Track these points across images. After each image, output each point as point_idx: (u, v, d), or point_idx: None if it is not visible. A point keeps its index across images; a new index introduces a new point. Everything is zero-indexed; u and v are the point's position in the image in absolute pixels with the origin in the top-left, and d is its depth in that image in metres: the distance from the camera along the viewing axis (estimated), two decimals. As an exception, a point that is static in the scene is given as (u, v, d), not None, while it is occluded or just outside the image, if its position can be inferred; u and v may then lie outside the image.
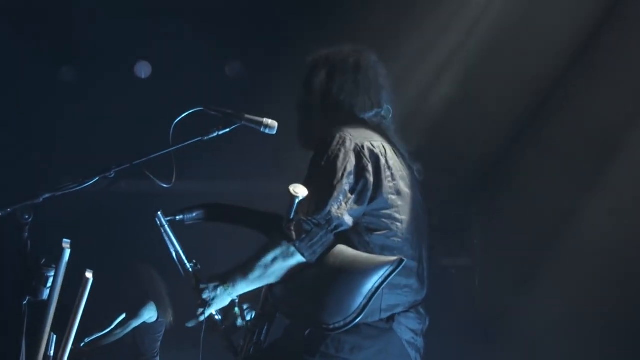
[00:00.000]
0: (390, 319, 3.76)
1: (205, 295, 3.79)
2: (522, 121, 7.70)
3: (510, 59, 7.40)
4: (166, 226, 3.97)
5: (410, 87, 7.72)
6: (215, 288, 3.78)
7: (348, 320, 3.55)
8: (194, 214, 4.08)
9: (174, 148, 4.02)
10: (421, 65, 7.80)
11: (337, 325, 3.56)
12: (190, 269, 3.98)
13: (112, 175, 3.96)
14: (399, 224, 3.80)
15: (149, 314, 9.18)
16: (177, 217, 4.05)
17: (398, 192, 3.83)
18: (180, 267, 3.97)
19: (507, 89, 7.46)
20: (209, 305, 3.80)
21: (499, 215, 8.08)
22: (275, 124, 4.07)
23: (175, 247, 3.99)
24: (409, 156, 4.09)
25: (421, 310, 3.91)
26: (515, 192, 7.95)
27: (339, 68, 4.04)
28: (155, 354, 9.34)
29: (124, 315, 9.26)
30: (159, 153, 4.03)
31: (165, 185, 4.08)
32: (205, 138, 4.05)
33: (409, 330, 3.80)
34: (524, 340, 7.67)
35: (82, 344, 8.89)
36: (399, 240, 3.79)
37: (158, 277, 9.39)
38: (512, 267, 7.87)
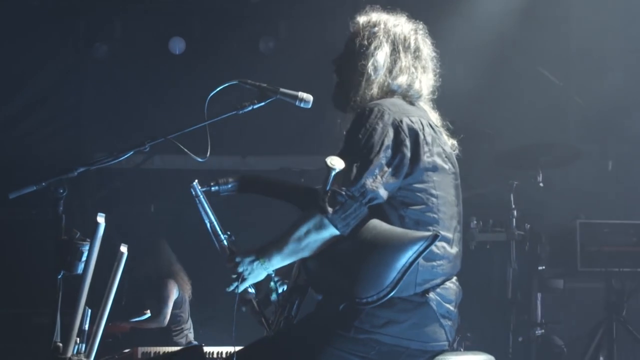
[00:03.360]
0: (425, 292, 3.73)
1: (240, 269, 3.76)
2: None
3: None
4: (201, 196, 3.94)
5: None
6: (252, 262, 3.76)
7: (382, 294, 3.53)
8: (230, 185, 4.04)
9: (209, 122, 4.00)
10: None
11: (370, 299, 3.54)
12: (225, 241, 3.95)
13: (147, 149, 3.94)
14: (434, 199, 3.77)
15: (173, 291, 9.26)
16: (213, 188, 4.01)
17: (435, 168, 3.80)
18: (214, 238, 3.94)
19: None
20: (245, 279, 3.78)
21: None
22: (310, 97, 4.04)
23: (210, 218, 3.96)
24: (445, 132, 4.05)
25: (456, 282, 3.88)
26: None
27: (403, 49, 3.99)
28: (190, 327, 9.42)
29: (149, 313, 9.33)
30: (194, 127, 4.01)
31: (200, 160, 4.05)
32: (241, 112, 4.03)
33: (443, 303, 3.77)
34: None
35: (129, 321, 9.01)
36: (434, 215, 3.76)
37: (172, 253, 9.47)
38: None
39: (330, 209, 3.59)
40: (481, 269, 7.07)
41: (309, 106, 4.06)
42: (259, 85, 4.05)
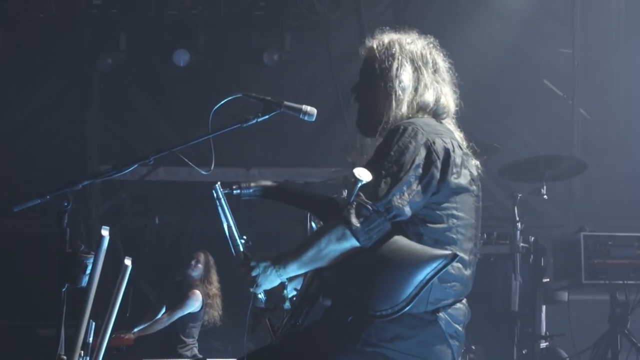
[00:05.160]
0: (436, 311, 3.72)
1: (254, 273, 3.75)
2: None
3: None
4: (222, 199, 3.94)
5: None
6: (266, 268, 3.74)
7: (396, 309, 3.52)
8: (251, 190, 4.05)
9: (213, 135, 4.01)
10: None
11: (384, 312, 3.53)
12: (241, 246, 3.94)
13: (151, 162, 3.95)
14: (455, 220, 3.76)
15: (195, 304, 9.25)
16: (235, 192, 4.02)
17: (460, 190, 3.79)
18: (230, 242, 3.93)
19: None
20: (258, 285, 3.76)
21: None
22: (314, 110, 4.05)
23: (228, 221, 3.94)
24: (470, 152, 4.04)
25: (465, 303, 3.88)
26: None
27: (423, 65, 3.98)
28: (196, 342, 9.41)
29: (165, 307, 9.34)
30: (198, 140, 4.02)
31: (204, 172, 4.06)
32: (245, 125, 4.03)
33: (452, 323, 3.77)
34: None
35: (131, 332, 9.00)
36: (453, 236, 3.75)
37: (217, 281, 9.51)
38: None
39: (354, 221, 3.58)
40: (485, 282, 7.02)
41: (313, 119, 4.06)
42: (263, 98, 4.06)
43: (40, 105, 10.49)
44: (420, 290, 3.52)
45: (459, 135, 4.03)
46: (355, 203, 3.61)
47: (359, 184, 3.60)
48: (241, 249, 3.92)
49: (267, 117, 4.05)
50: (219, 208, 3.96)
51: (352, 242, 3.61)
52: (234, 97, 4.06)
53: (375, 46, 4.02)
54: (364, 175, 3.61)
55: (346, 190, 3.80)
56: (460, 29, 9.85)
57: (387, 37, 4.04)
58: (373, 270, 3.59)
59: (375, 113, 3.95)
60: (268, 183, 4.13)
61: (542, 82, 10.28)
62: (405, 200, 3.63)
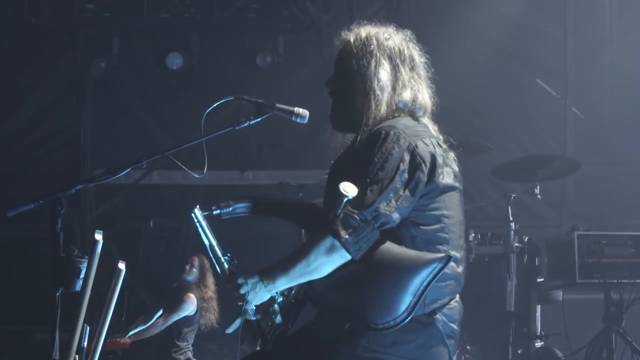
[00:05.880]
0: (432, 313, 3.72)
1: (243, 291, 3.69)
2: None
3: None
4: (202, 221, 3.91)
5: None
6: (254, 285, 3.67)
7: (398, 320, 3.52)
8: (231, 208, 4.02)
9: (206, 138, 4.00)
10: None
11: (387, 324, 3.53)
12: (225, 263, 3.87)
13: (144, 165, 3.95)
14: (445, 220, 3.75)
15: (190, 308, 9.24)
16: (214, 212, 3.98)
17: (446, 189, 3.77)
18: (214, 261, 3.89)
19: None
20: (247, 302, 3.71)
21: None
22: (306, 112, 4.03)
23: (210, 241, 3.89)
24: (447, 145, 4.02)
25: (458, 300, 3.88)
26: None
27: (401, 62, 3.92)
28: (190, 346, 9.40)
29: (161, 311, 9.33)
30: (191, 143, 4.02)
31: (197, 175, 4.05)
32: (237, 127, 4.02)
33: (449, 323, 3.76)
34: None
35: (127, 336, 8.99)
36: (445, 235, 3.74)
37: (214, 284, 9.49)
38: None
39: (343, 233, 3.54)
40: (480, 282, 7.04)
41: (305, 121, 4.04)
42: (255, 101, 4.04)
43: (33, 109, 10.49)
44: (419, 298, 3.52)
45: (434, 129, 3.97)
46: (342, 214, 3.56)
47: (345, 199, 3.55)
48: (226, 266, 3.86)
49: (259, 119, 4.04)
50: (200, 230, 3.91)
51: (342, 254, 3.57)
52: (226, 100, 4.05)
53: (352, 40, 3.95)
54: (349, 190, 3.55)
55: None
56: (453, 29, 9.87)
57: (365, 31, 3.97)
58: (367, 282, 3.57)
59: (352, 112, 3.91)
60: (249, 198, 4.10)
61: (535, 82, 10.30)
62: (393, 207, 3.59)
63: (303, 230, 4.35)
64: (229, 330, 3.83)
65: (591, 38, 10.40)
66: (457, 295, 3.88)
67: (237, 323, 3.79)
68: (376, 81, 3.87)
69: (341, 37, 4.02)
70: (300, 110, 4.03)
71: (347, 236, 3.54)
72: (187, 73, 10.35)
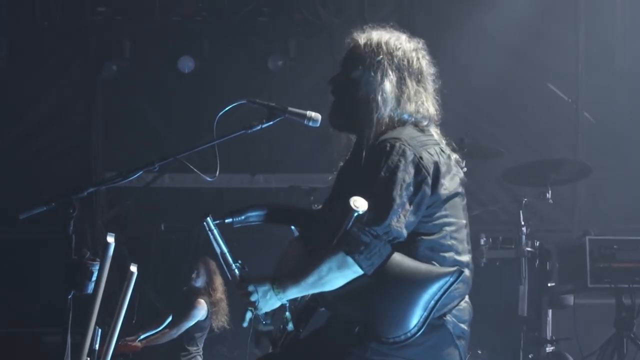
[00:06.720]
0: (443, 315, 3.72)
1: (253, 298, 3.70)
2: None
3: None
4: (214, 230, 3.90)
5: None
6: (265, 292, 3.69)
7: (409, 334, 3.55)
8: (243, 217, 4.02)
9: (218, 141, 4.00)
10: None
11: (397, 339, 3.56)
12: (236, 270, 3.87)
13: (156, 168, 3.95)
14: (448, 227, 3.75)
15: (200, 313, 9.23)
16: (226, 220, 3.97)
17: (450, 197, 3.77)
18: (226, 268, 3.89)
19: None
20: (258, 309, 3.72)
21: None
22: (318, 116, 4.02)
23: (221, 248, 3.88)
24: (449, 149, 4.00)
25: (468, 301, 3.88)
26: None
27: (408, 75, 3.89)
28: (200, 350, 9.40)
29: (171, 317, 9.33)
30: (203, 146, 4.02)
31: (209, 179, 4.05)
32: (249, 131, 4.02)
33: (459, 324, 3.76)
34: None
35: (137, 340, 8.99)
36: (448, 242, 3.75)
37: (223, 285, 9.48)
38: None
39: (355, 249, 3.56)
40: (491, 286, 7.05)
41: (318, 125, 4.03)
42: (267, 104, 4.04)
43: (45, 112, 10.51)
44: (431, 312, 3.54)
45: (436, 132, 3.95)
46: (354, 229, 3.57)
47: (355, 214, 3.56)
48: (237, 273, 3.86)
49: (271, 123, 4.04)
50: (212, 238, 3.91)
51: (355, 270, 3.58)
52: (238, 103, 4.05)
53: (362, 44, 3.93)
54: (360, 204, 3.56)
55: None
56: (464, 33, 9.86)
57: (376, 37, 3.94)
58: (379, 295, 3.59)
59: (352, 118, 3.90)
60: (258, 210, 4.08)
61: (546, 86, 10.29)
62: (402, 222, 3.60)
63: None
64: (244, 324, 3.83)
65: (603, 43, 10.38)
66: (467, 296, 3.88)
67: (249, 315, 3.79)
68: (380, 93, 3.85)
69: (353, 36, 4.00)
70: (313, 114, 4.02)
71: (359, 253, 3.56)
72: (198, 76, 10.36)
